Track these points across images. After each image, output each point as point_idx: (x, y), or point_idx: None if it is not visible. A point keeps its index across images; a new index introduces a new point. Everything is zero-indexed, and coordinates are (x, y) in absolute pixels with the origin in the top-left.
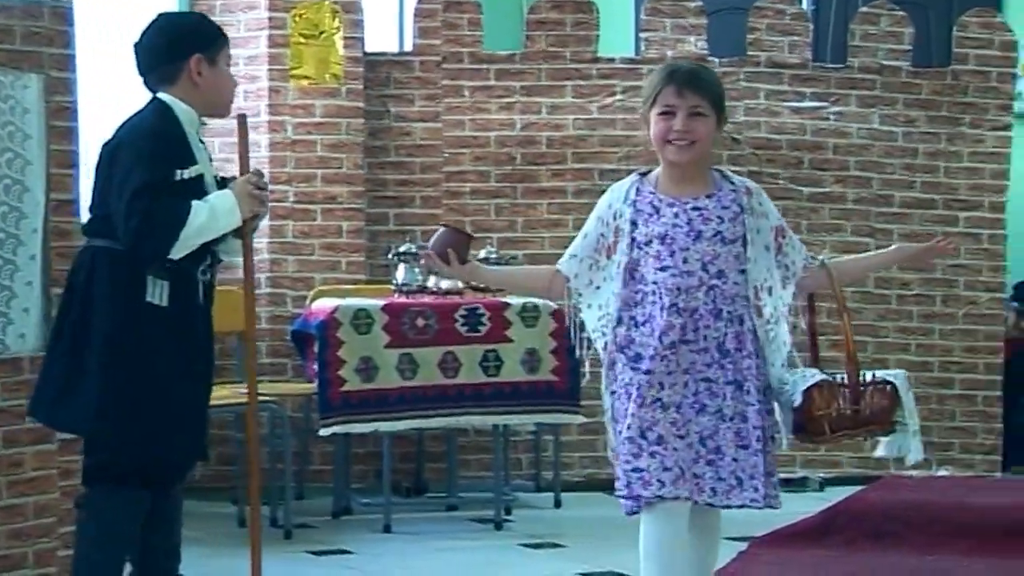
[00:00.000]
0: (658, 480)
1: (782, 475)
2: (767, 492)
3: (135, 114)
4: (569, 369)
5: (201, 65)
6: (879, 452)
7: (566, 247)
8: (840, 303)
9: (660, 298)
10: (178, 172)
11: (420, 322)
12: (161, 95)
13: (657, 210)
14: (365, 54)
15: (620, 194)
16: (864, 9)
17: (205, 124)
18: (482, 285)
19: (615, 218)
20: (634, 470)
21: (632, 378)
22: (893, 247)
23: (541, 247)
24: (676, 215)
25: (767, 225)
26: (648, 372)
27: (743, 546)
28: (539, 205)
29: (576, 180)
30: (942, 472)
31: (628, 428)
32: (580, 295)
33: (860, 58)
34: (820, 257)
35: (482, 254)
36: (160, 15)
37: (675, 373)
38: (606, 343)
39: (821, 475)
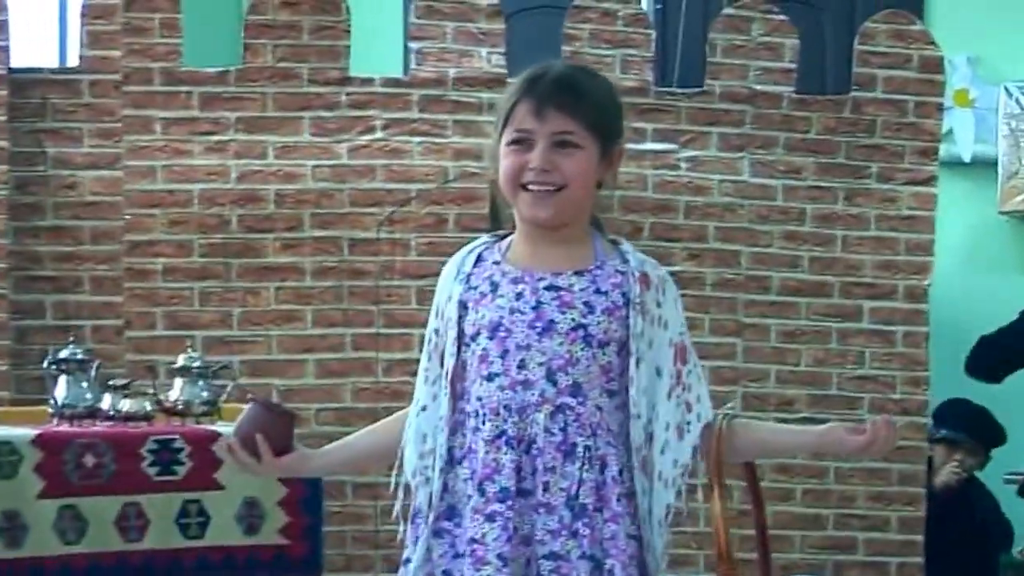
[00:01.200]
0: None
1: None
2: None
3: None
4: (307, 527)
5: None
6: None
7: (306, 350)
8: (716, 476)
9: (482, 423)
10: None
11: (90, 460)
12: None
13: (495, 288)
14: (10, 70)
15: (455, 265)
16: (729, 11)
17: None
18: (194, 411)
19: (447, 302)
20: None
21: (437, 552)
22: (824, 426)
23: (268, 351)
24: (519, 296)
25: (665, 338)
26: (474, 541)
27: None
28: (264, 290)
29: (317, 254)
30: None
31: None
32: (409, 426)
33: (723, 80)
34: (726, 409)
35: (180, 361)
36: None
37: (513, 543)
38: (430, 495)
39: None
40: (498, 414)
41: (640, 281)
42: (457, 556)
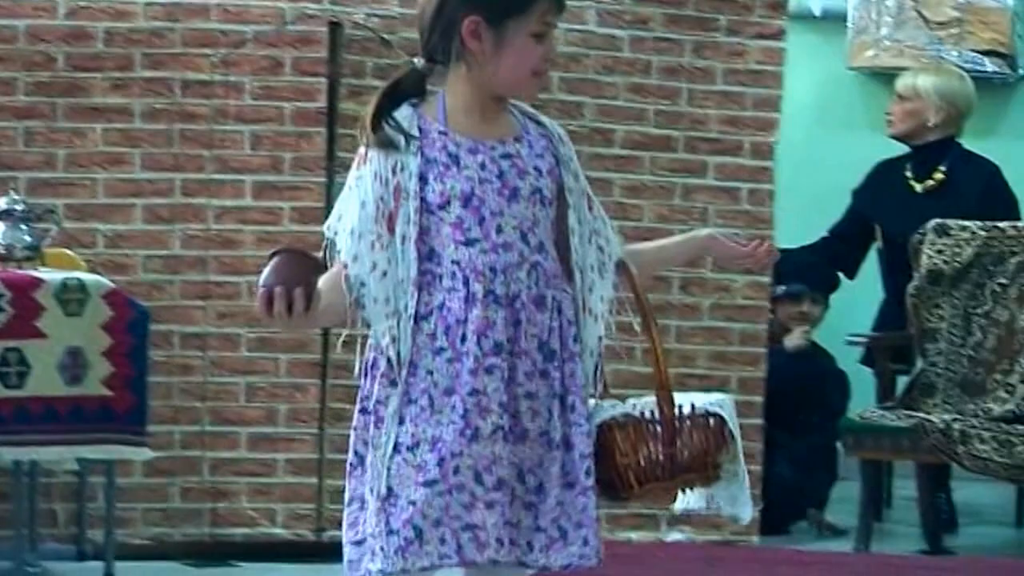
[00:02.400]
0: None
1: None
2: (598, 545)
3: None
4: (132, 379)
5: None
6: (688, 505)
7: (134, 194)
8: (645, 310)
9: (465, 284)
10: None
11: None
12: None
13: (456, 159)
14: None
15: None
16: None
17: None
18: (15, 256)
19: (395, 172)
20: (390, 532)
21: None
22: (703, 232)
23: (92, 194)
24: (483, 165)
25: (580, 190)
26: (475, 392)
27: None
28: (91, 131)
29: (147, 96)
30: (674, 536)
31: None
32: (363, 286)
33: None
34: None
35: (2, 204)
36: None
37: (492, 391)
38: (399, 353)
39: None
40: (483, 275)
41: (559, 140)
42: (410, 402)
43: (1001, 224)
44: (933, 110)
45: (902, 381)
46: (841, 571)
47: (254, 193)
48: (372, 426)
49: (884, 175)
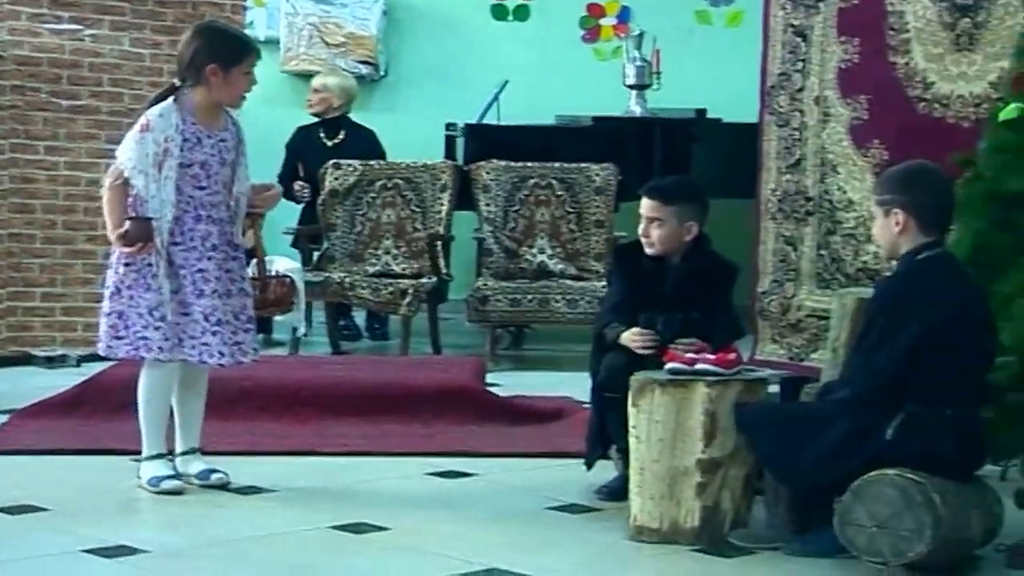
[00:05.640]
0: (159, 347)
1: (44, 354)
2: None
3: None
4: None
5: None
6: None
7: None
8: (253, 222)
9: (196, 210)
10: None
11: None
12: None
13: (199, 140)
14: None
15: (168, 122)
16: None
17: None
18: None
19: (166, 140)
20: (142, 338)
21: (173, 270)
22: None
23: None
24: (213, 146)
25: (244, 157)
26: (200, 271)
27: (5, 418)
28: None
29: None
30: None
31: (155, 307)
32: (145, 202)
33: None
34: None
35: None
36: None
37: (212, 270)
38: (162, 240)
39: (80, 353)
40: (206, 207)
41: (241, 131)
42: (170, 266)
43: (371, 161)
44: (336, 97)
45: (316, 254)
46: (289, 364)
47: None
48: (135, 273)
49: (306, 136)
